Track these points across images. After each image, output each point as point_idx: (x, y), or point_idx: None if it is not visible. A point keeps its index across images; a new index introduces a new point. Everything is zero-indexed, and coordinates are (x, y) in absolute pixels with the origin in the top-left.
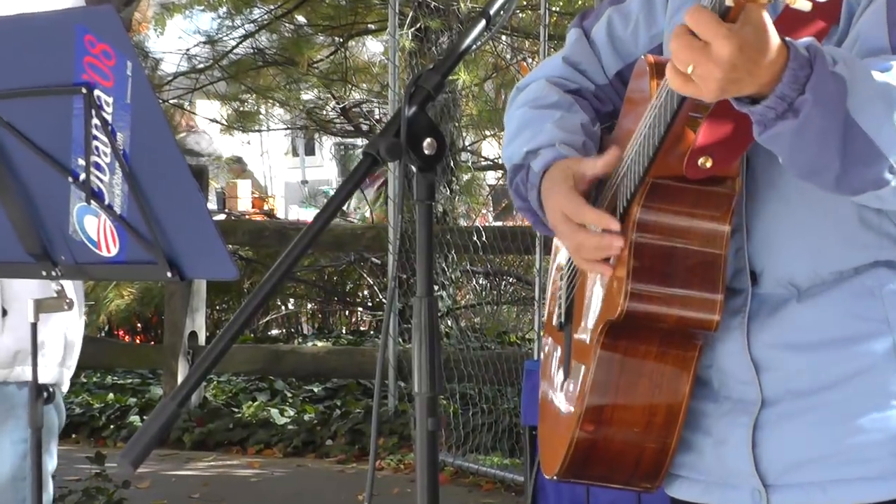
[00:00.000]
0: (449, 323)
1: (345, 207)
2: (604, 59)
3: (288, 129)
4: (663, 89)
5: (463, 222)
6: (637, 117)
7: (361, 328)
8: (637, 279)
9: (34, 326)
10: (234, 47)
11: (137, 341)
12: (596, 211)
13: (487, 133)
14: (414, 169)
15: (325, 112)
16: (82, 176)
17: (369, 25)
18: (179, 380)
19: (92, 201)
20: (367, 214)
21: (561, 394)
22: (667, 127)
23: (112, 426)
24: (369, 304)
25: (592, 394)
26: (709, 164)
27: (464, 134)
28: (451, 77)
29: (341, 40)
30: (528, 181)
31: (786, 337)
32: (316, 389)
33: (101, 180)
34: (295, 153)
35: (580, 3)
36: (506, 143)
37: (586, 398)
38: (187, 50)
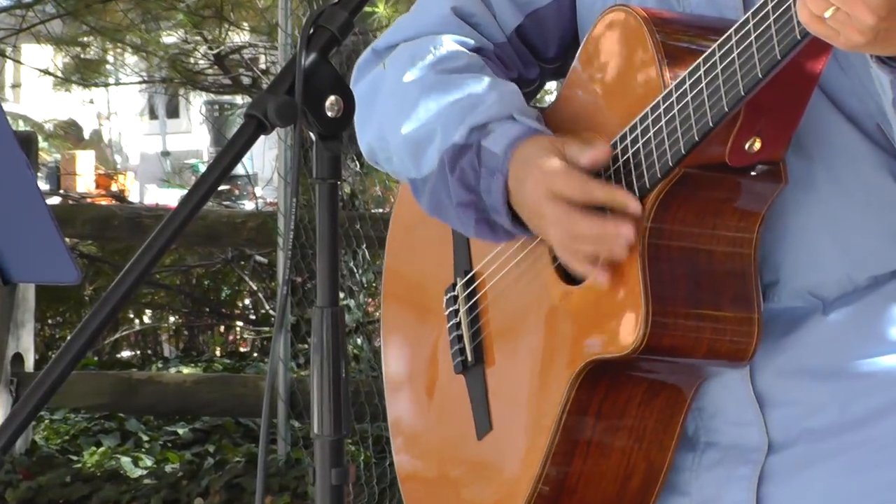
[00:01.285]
0: (359, 342)
1: (221, 188)
2: (498, 12)
3: (144, 82)
4: (732, 45)
5: (378, 209)
6: (612, 92)
7: (242, 349)
8: (658, 298)
9: None
10: None
11: None
12: (608, 185)
13: None
14: (313, 137)
15: (193, 61)
16: None
17: None
18: (0, 418)
19: None
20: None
21: (473, 447)
22: (736, 100)
23: None
24: (252, 317)
25: (555, 457)
26: (757, 146)
27: None
28: (363, 10)
29: None
30: (484, 165)
31: (805, 361)
32: (181, 431)
33: None
34: (153, 115)
35: None
36: (398, 120)
37: (546, 464)
38: None
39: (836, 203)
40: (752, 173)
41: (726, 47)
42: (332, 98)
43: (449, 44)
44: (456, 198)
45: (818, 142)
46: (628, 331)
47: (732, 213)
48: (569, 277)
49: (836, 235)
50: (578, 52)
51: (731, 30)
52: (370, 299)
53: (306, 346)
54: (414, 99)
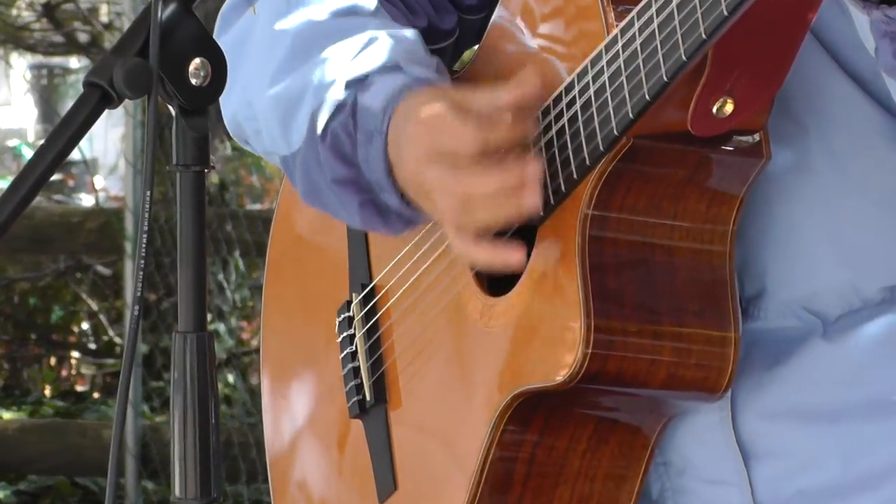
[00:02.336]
0: (231, 378)
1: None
2: None
3: None
4: None
5: (255, 205)
6: (544, 44)
7: (79, 388)
8: (602, 309)
9: None
10: None
11: None
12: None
13: None
14: (173, 111)
15: (16, 12)
16: None
17: None
18: None
19: None
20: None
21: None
22: (697, 45)
23: None
24: (92, 346)
25: None
26: (728, 109)
27: None
28: None
29: None
30: (360, 127)
31: (799, 399)
32: (1, 493)
33: None
34: None
35: None
36: (265, 79)
37: None
38: None
39: (837, 190)
40: (724, 146)
41: None
42: (196, 61)
43: None
44: (330, 173)
45: (812, 107)
46: (563, 353)
47: (699, 198)
48: (493, 287)
49: (837, 232)
50: None
51: None
52: (245, 323)
53: (163, 383)
54: (286, 50)
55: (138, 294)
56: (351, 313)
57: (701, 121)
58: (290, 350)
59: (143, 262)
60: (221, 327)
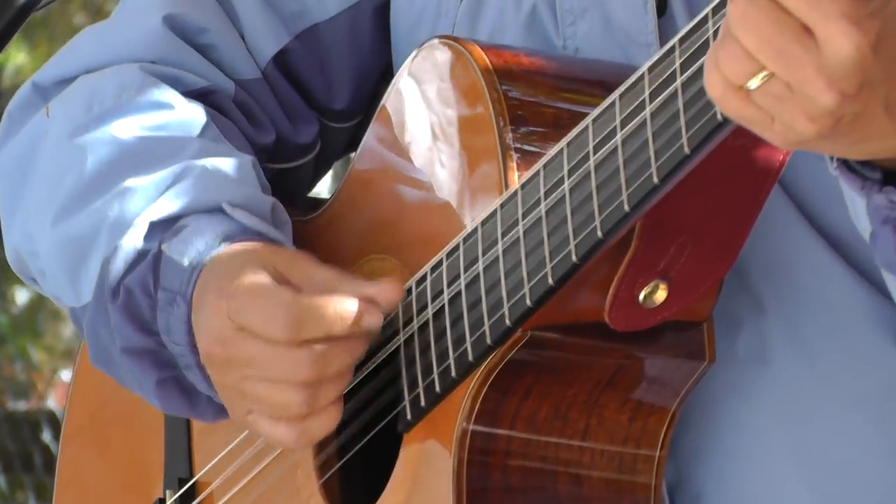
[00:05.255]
0: None
1: None
2: (248, 27)
3: None
4: (606, 125)
5: (20, 402)
6: (428, 182)
7: None
8: None
9: None
10: None
11: None
12: (351, 283)
13: None
14: None
15: None
16: None
17: None
18: None
19: None
20: None
21: None
22: (616, 219)
23: None
24: None
25: None
26: (660, 297)
27: None
28: None
29: None
30: (162, 284)
31: None
32: None
33: None
34: None
35: None
36: (52, 208)
37: None
38: None
39: (803, 388)
40: (654, 343)
41: (606, 129)
42: None
43: (150, 83)
44: (121, 340)
45: (774, 280)
46: None
47: (620, 408)
48: (347, 496)
49: (804, 444)
50: (379, 106)
51: (616, 94)
52: None
53: None
54: (79, 175)
55: None
56: None
57: (623, 311)
58: None
59: None
60: None
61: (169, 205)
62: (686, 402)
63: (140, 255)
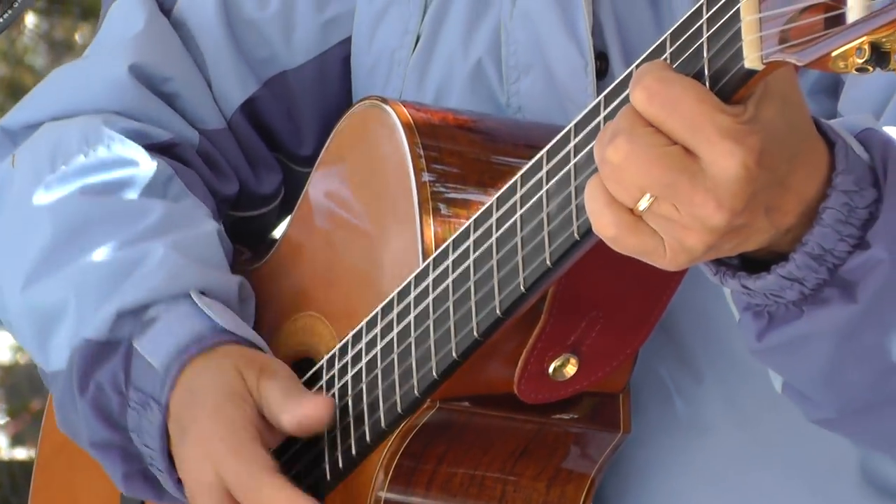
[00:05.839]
0: None
1: None
2: (215, 76)
3: None
4: (505, 204)
5: None
6: (353, 245)
7: None
8: None
9: None
10: None
11: None
12: (288, 488)
13: None
14: None
15: None
16: None
17: None
18: None
19: None
20: None
21: None
22: (514, 298)
23: None
24: None
25: None
26: (570, 371)
27: None
28: None
29: None
30: (134, 384)
31: None
32: None
33: None
34: None
35: None
36: (19, 269)
37: None
38: None
39: (741, 456)
40: (566, 414)
41: (508, 203)
42: None
43: (113, 139)
44: (89, 433)
45: (708, 346)
46: None
47: (537, 476)
48: None
49: None
50: (315, 165)
51: (519, 175)
52: None
53: None
54: (44, 238)
55: None
56: None
57: (532, 383)
58: None
59: None
60: None
61: (135, 292)
62: (605, 469)
63: (109, 347)
